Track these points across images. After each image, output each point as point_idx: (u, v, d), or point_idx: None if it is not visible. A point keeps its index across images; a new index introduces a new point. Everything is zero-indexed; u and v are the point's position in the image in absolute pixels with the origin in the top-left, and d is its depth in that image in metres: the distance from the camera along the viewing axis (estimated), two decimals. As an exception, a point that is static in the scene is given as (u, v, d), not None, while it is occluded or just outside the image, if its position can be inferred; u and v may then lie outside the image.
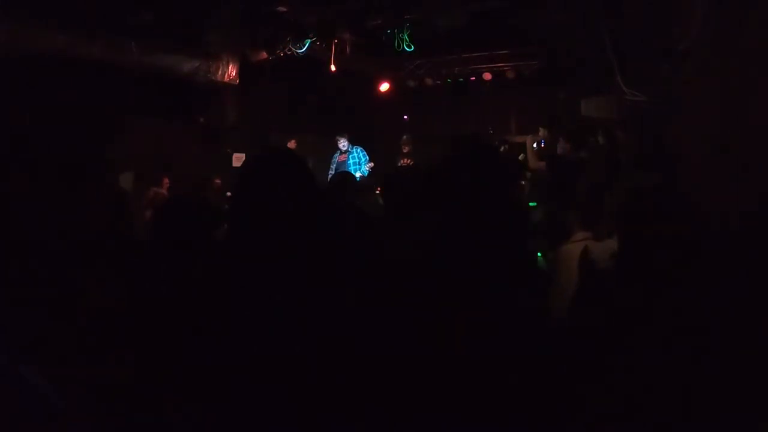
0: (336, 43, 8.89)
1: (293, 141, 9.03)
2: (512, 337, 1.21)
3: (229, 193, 7.34)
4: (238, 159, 9.37)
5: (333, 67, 9.02)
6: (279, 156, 1.62)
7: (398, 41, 8.60)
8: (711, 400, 1.42)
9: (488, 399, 1.17)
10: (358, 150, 8.59)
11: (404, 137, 8.97)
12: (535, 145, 6.93)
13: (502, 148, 7.92)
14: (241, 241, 1.48)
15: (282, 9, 8.01)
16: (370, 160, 8.56)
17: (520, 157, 7.29)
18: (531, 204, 6.16)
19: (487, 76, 10.18)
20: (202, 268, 1.60)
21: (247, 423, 1.30)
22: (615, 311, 1.73)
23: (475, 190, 1.30)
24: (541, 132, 7.05)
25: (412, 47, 8.66)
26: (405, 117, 11.37)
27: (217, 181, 8.59)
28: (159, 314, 1.57)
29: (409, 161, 8.63)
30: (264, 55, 9.16)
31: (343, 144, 8.59)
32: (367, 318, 1.30)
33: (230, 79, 8.73)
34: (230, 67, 8.69)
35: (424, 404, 1.18)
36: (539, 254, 4.15)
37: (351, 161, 8.47)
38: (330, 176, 7.90)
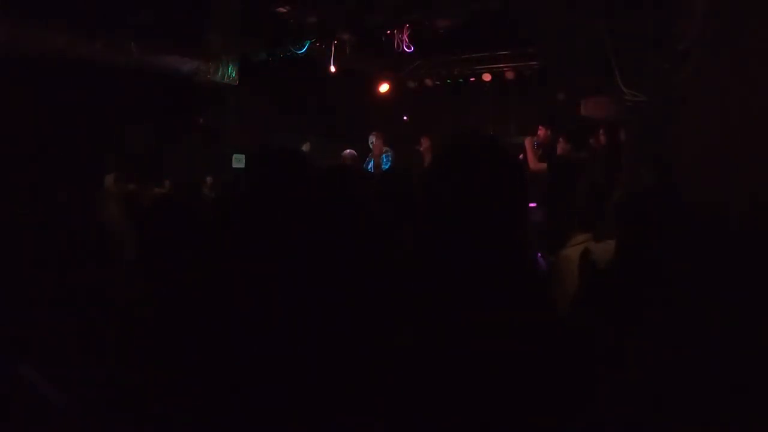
0: (336, 44, 8.89)
1: (307, 144, 8.78)
2: (510, 340, 1.21)
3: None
4: (237, 159, 9.37)
5: (332, 68, 9.02)
6: (282, 154, 1.63)
7: (398, 41, 8.59)
8: (713, 400, 1.42)
9: (487, 401, 1.17)
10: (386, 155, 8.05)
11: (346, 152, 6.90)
12: (534, 146, 6.92)
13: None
14: (245, 239, 1.49)
15: (282, 9, 8.02)
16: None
17: (520, 157, 7.29)
18: (530, 204, 6.15)
19: (487, 76, 10.18)
20: (203, 267, 1.60)
21: (248, 424, 1.30)
22: (616, 312, 1.73)
23: (472, 188, 1.29)
24: (541, 132, 7.04)
25: (412, 48, 8.65)
26: (405, 117, 11.38)
27: (209, 179, 8.57)
28: (159, 314, 1.57)
29: None
30: (264, 55, 9.16)
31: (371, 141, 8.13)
32: (365, 318, 1.30)
33: (230, 80, 8.73)
34: (230, 68, 8.70)
35: (422, 407, 1.18)
36: (538, 255, 4.14)
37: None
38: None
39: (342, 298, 1.33)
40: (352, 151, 7.20)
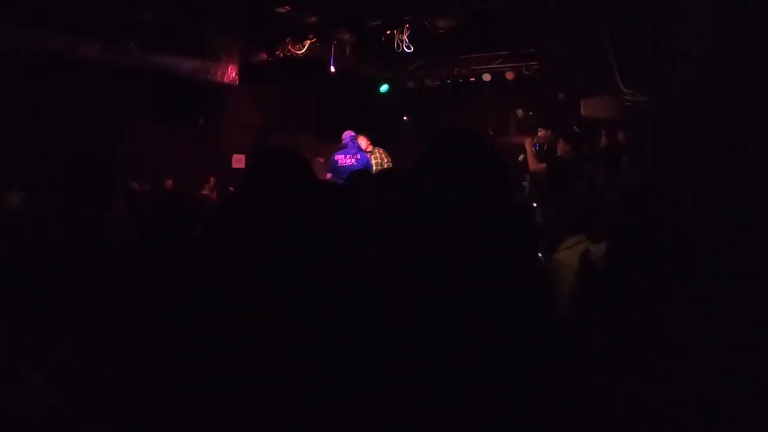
0: (336, 44, 8.90)
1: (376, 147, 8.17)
2: (507, 343, 1.21)
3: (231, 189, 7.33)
4: (237, 159, 9.37)
5: (333, 68, 9.02)
6: (282, 154, 1.63)
7: (398, 42, 8.59)
8: (715, 400, 1.42)
9: (488, 403, 1.17)
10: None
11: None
12: (535, 147, 6.91)
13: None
14: (244, 238, 1.49)
15: (282, 10, 8.02)
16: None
17: (520, 158, 7.28)
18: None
19: (487, 77, 10.18)
20: (199, 266, 1.60)
21: (246, 424, 1.30)
22: (616, 312, 1.73)
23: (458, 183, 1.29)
24: (541, 133, 7.03)
25: (412, 48, 8.65)
26: (405, 117, 11.38)
27: (212, 180, 8.59)
28: (158, 314, 1.57)
29: None
30: (264, 56, 9.16)
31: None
32: (364, 319, 1.30)
33: (230, 80, 8.73)
34: (230, 68, 8.70)
35: (423, 410, 1.18)
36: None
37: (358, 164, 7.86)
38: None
39: (340, 304, 1.32)
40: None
